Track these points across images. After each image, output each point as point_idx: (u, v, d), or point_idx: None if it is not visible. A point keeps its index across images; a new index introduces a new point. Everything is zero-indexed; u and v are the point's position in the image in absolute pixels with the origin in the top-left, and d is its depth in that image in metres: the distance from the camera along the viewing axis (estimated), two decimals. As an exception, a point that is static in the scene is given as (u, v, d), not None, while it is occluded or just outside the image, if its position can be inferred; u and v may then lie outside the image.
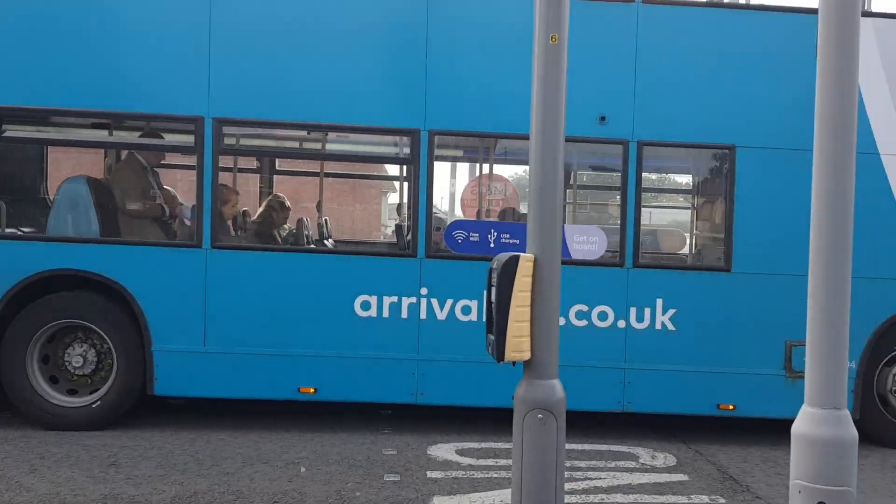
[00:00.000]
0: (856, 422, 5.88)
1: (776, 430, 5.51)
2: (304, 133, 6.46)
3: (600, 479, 5.06)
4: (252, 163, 8.00)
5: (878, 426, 6.20)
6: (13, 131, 5.87)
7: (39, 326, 5.70)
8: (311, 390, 5.83)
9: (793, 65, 5.90)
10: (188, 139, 5.82)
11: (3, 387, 5.71)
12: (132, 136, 6.48)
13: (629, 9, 5.90)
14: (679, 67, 5.96)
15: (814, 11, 5.91)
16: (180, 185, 7.09)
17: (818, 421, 2.40)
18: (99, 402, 5.73)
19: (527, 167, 4.02)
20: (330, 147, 6.95)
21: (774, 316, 5.96)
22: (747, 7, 6.42)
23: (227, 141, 6.10)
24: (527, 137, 3.47)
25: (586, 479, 5.04)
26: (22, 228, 6.06)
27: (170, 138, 6.54)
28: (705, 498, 4.80)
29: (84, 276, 5.69)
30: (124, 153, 6.48)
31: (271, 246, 6.41)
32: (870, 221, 5.93)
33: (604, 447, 5.81)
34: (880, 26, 5.95)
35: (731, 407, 6.01)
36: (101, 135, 6.59)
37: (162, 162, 6.62)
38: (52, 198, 6.21)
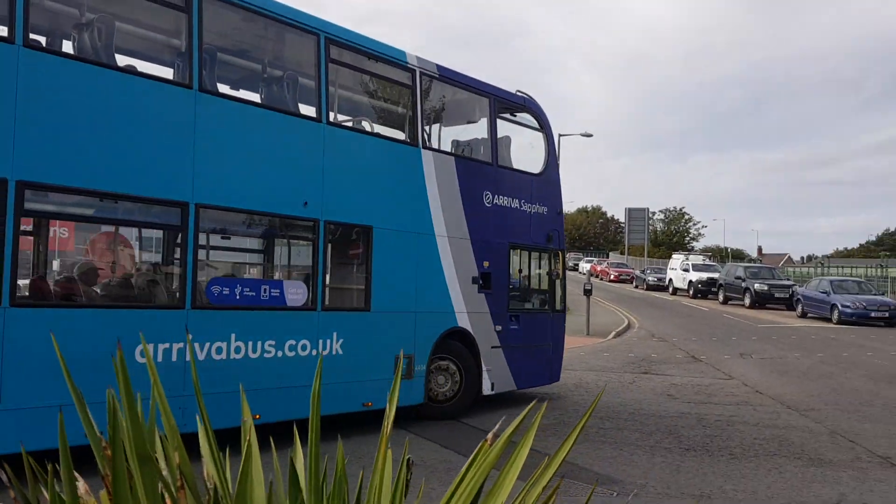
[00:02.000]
0: (418, 406, 9.31)
1: None
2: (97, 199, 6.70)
3: None
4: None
5: (426, 408, 9.82)
6: None
7: None
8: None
9: (400, 176, 9.21)
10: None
11: None
12: None
13: (318, 129, 8.29)
14: (345, 175, 8.58)
15: (402, 142, 9.33)
16: None
17: None
18: None
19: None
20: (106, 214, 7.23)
21: (393, 337, 9.05)
22: (374, 135, 9.46)
23: (29, 205, 6.11)
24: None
25: None
26: None
27: None
28: None
29: None
30: None
31: (66, 303, 6.48)
32: (428, 277, 9.64)
33: None
34: (437, 159, 9.74)
35: (370, 404, 8.81)
36: None
37: None
38: None
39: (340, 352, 8.46)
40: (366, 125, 9.64)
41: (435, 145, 10.52)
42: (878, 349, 20.50)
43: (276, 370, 7.77)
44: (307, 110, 8.45)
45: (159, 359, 6.79)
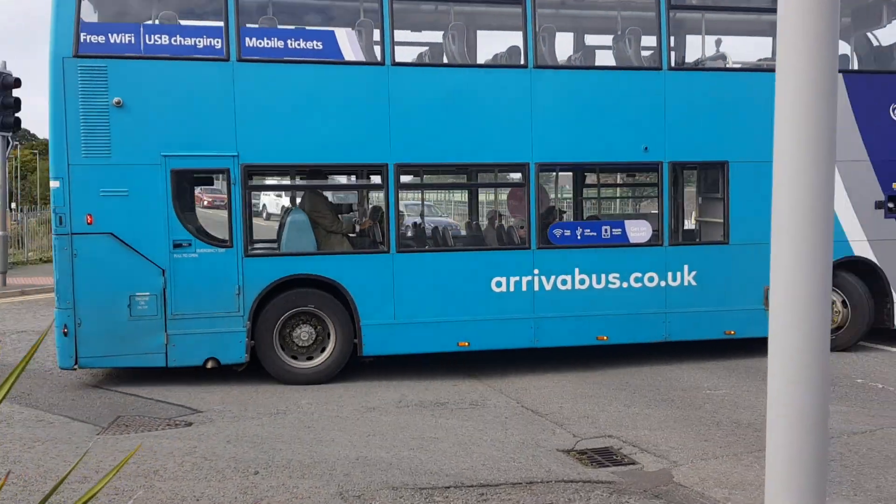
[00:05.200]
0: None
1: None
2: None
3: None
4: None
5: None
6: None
7: (280, 314, 8.19)
8: (466, 344, 8.58)
9: (762, 106, 9.02)
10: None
11: (259, 359, 8.17)
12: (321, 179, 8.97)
13: (657, 77, 8.84)
14: (691, 114, 8.94)
15: (763, 69, 9.04)
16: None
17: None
18: (324, 364, 8.30)
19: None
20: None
21: (759, 268, 9.11)
22: (725, 69, 9.49)
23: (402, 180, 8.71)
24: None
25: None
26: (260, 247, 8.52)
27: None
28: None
29: (311, 278, 8.21)
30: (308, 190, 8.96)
31: (435, 248, 9.08)
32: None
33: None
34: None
35: (732, 332, 9.18)
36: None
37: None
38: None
39: (693, 283, 9.04)
40: (721, 61, 9.57)
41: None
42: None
43: (621, 299, 8.89)
44: (651, 60, 9.03)
45: (511, 289, 8.64)
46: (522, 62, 8.56)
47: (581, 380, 8.36)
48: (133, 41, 7.78)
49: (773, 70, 8.16)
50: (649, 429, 6.53)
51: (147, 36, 7.81)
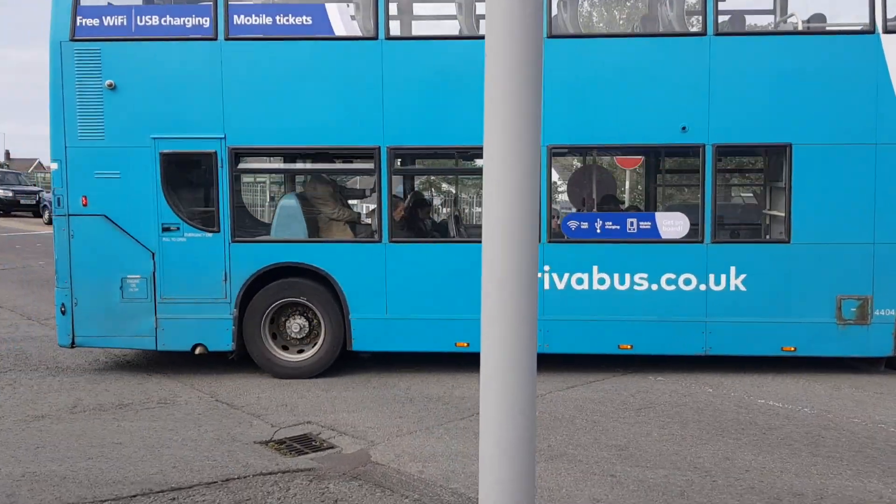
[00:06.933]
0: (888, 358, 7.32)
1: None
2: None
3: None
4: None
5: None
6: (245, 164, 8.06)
7: (269, 304, 7.88)
8: (466, 344, 7.80)
9: (842, 77, 7.38)
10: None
11: (247, 348, 7.93)
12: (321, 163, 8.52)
13: (701, 43, 7.46)
14: (745, 89, 7.45)
15: (845, 32, 7.32)
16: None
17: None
18: (312, 358, 7.89)
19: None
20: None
21: (832, 274, 7.50)
22: (795, 33, 7.85)
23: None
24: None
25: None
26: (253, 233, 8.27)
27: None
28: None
29: (300, 266, 7.81)
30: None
31: (430, 239, 8.37)
32: None
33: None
34: None
35: (792, 349, 7.65)
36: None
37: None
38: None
39: (742, 288, 7.62)
40: (792, 23, 7.87)
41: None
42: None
43: (650, 304, 7.67)
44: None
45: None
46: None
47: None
48: (125, 23, 7.75)
49: (846, 33, 6.59)
50: (347, 411, 6.63)
51: (138, 17, 7.75)
